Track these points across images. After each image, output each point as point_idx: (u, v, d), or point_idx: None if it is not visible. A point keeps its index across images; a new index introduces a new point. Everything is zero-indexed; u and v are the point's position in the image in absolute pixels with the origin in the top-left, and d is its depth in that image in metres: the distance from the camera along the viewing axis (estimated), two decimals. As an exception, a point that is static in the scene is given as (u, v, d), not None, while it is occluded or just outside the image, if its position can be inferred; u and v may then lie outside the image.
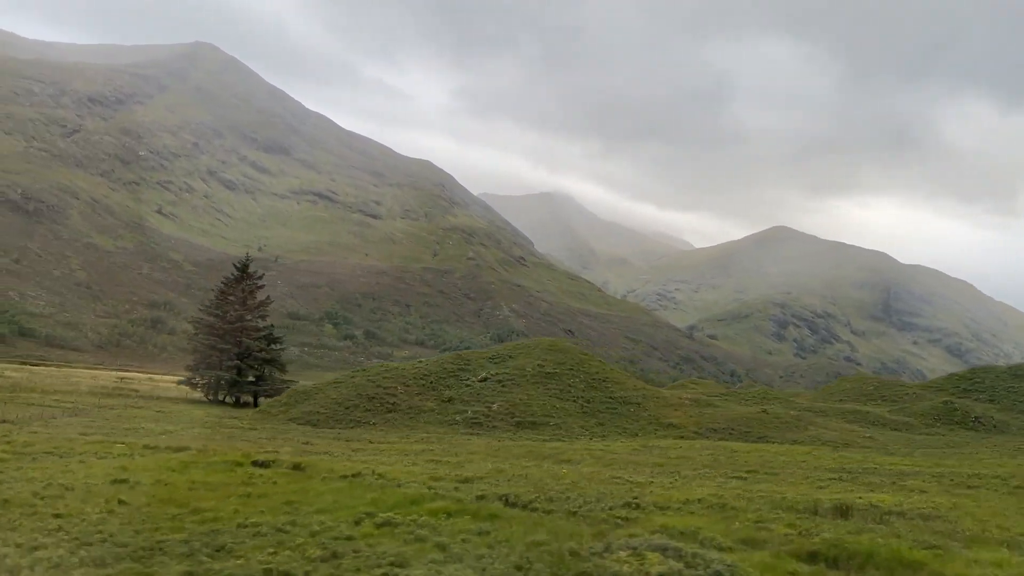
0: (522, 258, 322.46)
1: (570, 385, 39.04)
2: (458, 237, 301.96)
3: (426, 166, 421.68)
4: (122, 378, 58.87)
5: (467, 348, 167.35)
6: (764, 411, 38.84)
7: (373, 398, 36.10)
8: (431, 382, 38.40)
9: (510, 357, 42.11)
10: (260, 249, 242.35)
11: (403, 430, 31.22)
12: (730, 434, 35.12)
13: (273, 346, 56.47)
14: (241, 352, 52.24)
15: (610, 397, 39.01)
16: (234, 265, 61.77)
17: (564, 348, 43.63)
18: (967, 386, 54.67)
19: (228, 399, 52.11)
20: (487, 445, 27.96)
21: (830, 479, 20.52)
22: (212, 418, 32.83)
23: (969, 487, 20.12)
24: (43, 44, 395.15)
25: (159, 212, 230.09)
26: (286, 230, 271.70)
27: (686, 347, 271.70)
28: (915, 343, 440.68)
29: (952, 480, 21.29)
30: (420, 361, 44.82)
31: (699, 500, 14.57)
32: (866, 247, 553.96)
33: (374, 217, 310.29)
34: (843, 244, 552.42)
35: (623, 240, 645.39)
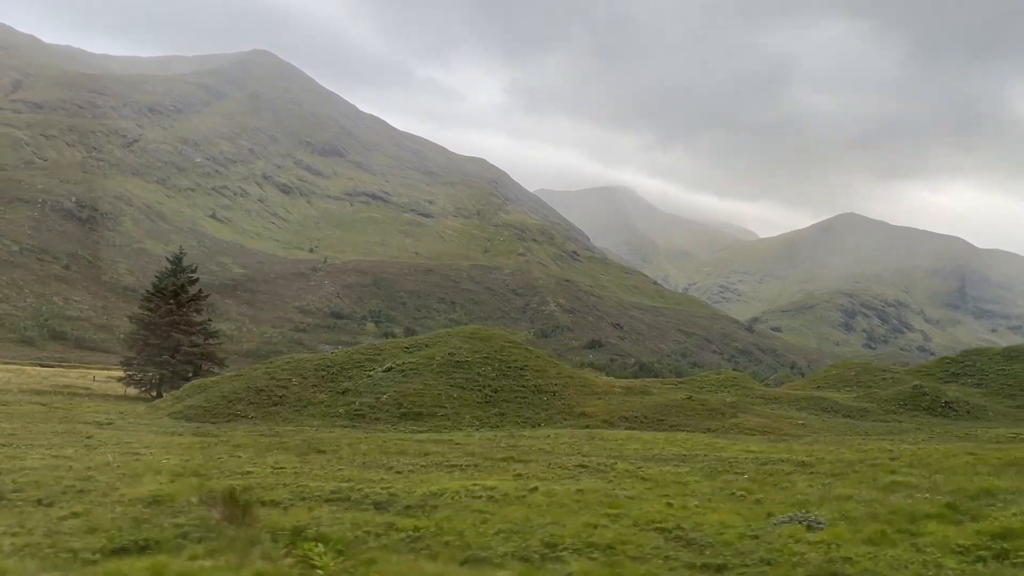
0: (575, 253, 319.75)
1: (479, 374, 37.07)
2: (509, 234, 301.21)
3: (480, 164, 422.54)
4: (93, 377, 59.54)
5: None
6: (689, 398, 36.43)
7: (261, 391, 34.81)
8: (332, 373, 36.97)
9: (426, 346, 40.27)
10: (311, 250, 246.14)
11: (280, 424, 29.96)
12: (641, 423, 32.80)
13: (210, 341, 56.10)
14: (172, 347, 51.81)
15: (522, 386, 36.99)
16: (166, 259, 61.65)
17: (486, 336, 41.64)
18: (957, 369, 50.85)
19: (167, 395, 51.68)
20: (305, 436, 26.50)
21: (576, 466, 18.57)
22: (89, 414, 32.14)
23: (724, 472, 18.01)
24: (109, 58, 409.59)
25: (213, 217, 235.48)
26: (338, 231, 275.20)
27: (744, 339, 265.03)
28: (994, 331, 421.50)
29: (735, 466, 18.95)
30: (334, 352, 43.45)
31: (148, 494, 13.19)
32: (939, 232, 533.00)
33: (426, 216, 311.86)
34: (915, 230, 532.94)
35: (684, 232, 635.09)
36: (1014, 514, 12.12)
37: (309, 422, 30.43)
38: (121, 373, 54.86)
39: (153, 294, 53.40)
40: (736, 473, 17.95)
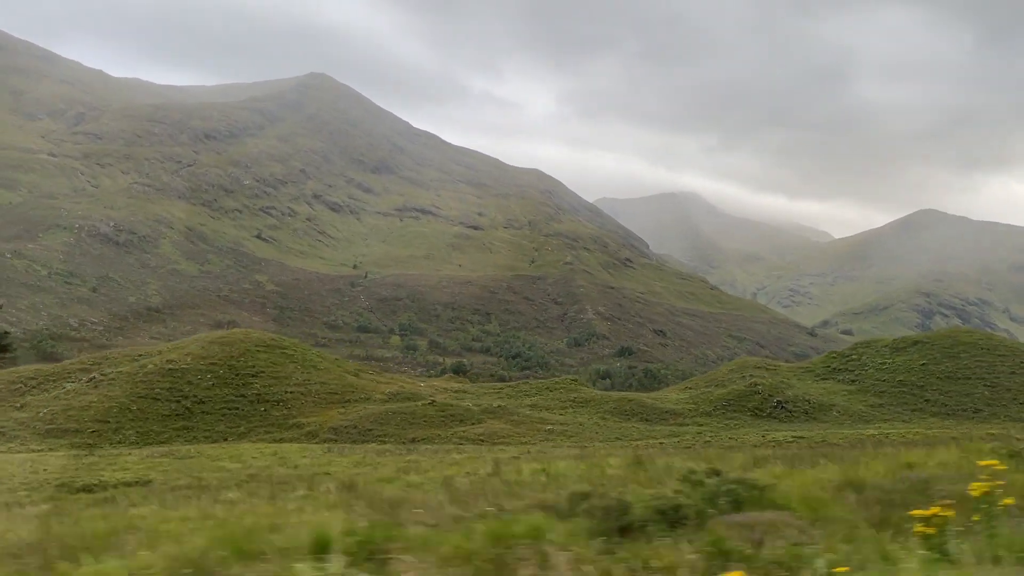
0: (628, 260, 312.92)
1: (190, 383, 33.85)
2: (559, 243, 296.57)
3: (535, 175, 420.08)
4: None
5: (527, 352, 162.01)
6: (431, 403, 32.61)
7: (-65, 407, 32.55)
8: (32, 386, 34.43)
9: (159, 352, 37.54)
10: (355, 266, 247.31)
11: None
12: (346, 434, 29.27)
13: (6, 355, 54.28)
14: (-49, 362, 50.36)
15: (241, 395, 33.67)
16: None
17: (232, 340, 38.41)
18: (839, 364, 45.01)
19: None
20: None
21: None
22: None
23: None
24: (172, 88, 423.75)
25: (258, 236, 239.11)
26: (385, 246, 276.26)
27: (801, 343, 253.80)
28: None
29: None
30: (70, 361, 40.88)
31: None
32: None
33: (475, 228, 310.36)
34: (997, 224, 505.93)
35: (754, 235, 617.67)
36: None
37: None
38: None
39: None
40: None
